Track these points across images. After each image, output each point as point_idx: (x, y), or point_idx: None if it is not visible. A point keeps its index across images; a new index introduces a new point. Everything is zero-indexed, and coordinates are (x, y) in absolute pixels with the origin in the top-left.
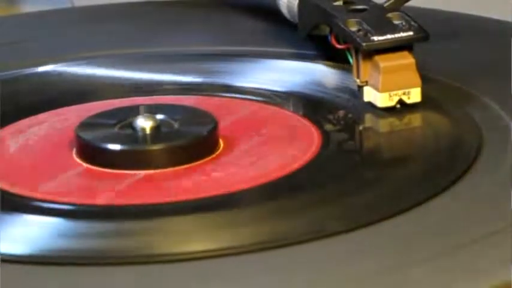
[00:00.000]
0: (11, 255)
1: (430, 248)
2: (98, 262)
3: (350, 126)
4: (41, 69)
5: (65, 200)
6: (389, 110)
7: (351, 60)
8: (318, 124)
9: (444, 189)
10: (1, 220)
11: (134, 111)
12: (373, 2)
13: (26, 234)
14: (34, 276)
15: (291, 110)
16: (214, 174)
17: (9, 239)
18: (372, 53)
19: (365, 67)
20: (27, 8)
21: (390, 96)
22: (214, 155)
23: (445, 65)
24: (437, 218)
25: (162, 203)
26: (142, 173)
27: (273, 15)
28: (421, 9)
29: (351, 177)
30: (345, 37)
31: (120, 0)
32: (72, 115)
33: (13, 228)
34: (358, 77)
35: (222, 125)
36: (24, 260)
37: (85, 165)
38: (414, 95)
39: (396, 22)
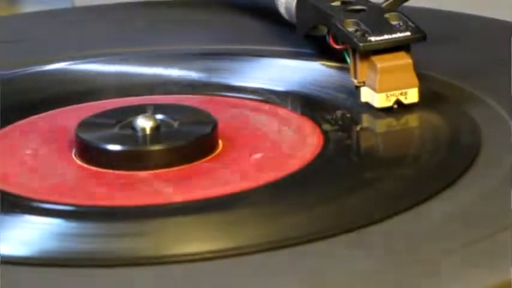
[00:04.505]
0: (10, 257)
1: (430, 248)
2: (97, 263)
3: (348, 126)
4: (41, 69)
5: (65, 200)
6: (387, 110)
7: (348, 60)
8: (317, 124)
9: (443, 189)
10: (1, 221)
11: (134, 111)
12: (371, 2)
13: (26, 235)
14: (34, 277)
15: (290, 109)
16: (214, 174)
17: (9, 240)
18: (369, 53)
19: (362, 67)
20: (27, 8)
21: (387, 96)
22: (214, 155)
23: (445, 64)
24: (437, 218)
25: (162, 204)
26: (142, 173)
27: (272, 15)
28: (421, 9)
29: (350, 177)
30: (343, 37)
31: (120, 0)
32: (72, 115)
33: (13, 230)
34: (355, 77)
35: (222, 124)
36: (24, 261)
37: (85, 165)
38: (411, 96)
39: (394, 23)
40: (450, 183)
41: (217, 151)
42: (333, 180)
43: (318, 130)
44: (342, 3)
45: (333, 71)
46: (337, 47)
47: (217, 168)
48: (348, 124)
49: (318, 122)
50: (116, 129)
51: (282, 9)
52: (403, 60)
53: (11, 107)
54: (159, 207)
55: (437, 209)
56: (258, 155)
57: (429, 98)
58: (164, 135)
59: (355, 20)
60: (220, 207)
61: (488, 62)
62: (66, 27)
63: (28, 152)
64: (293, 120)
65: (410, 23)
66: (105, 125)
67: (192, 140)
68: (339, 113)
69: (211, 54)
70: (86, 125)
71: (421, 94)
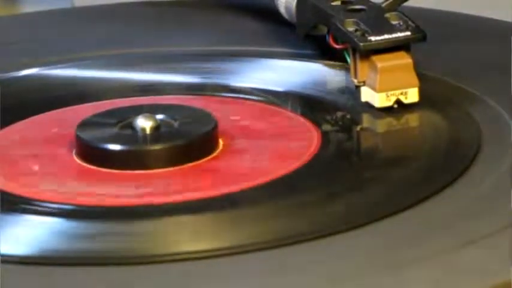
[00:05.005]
0: (11, 256)
1: (430, 248)
2: (97, 262)
3: (348, 126)
4: (40, 69)
5: (65, 200)
6: (387, 110)
7: (348, 60)
8: (317, 124)
9: (443, 188)
10: (1, 220)
11: (134, 111)
12: (371, 2)
13: (26, 234)
14: (34, 276)
15: (290, 109)
16: (214, 174)
17: (9, 240)
18: (369, 53)
19: (362, 67)
20: (27, 8)
21: (387, 96)
22: (214, 155)
23: (445, 65)
24: (436, 218)
25: (162, 203)
26: (142, 173)
27: (272, 15)
28: (421, 9)
29: (350, 177)
30: (343, 37)
31: (120, 0)
32: (72, 115)
33: (13, 229)
34: (355, 77)
35: (222, 124)
36: (24, 261)
37: (85, 165)
38: (411, 95)
39: (394, 22)
40: (450, 182)
41: (218, 151)
42: (332, 180)
43: (318, 130)
44: (342, 3)
45: (333, 71)
46: (337, 46)
47: (217, 168)
48: (348, 124)
49: (318, 122)
50: (116, 129)
51: (282, 9)
52: (403, 60)
53: (11, 107)
54: (159, 207)
55: (436, 208)
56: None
57: (429, 98)
58: (164, 135)
59: (355, 19)
60: (220, 207)
61: (488, 62)
62: (66, 28)
63: (28, 151)
64: (293, 120)
65: (410, 23)
66: (105, 125)
67: (192, 140)
68: (339, 113)
69: (211, 55)
70: (86, 124)
71: (421, 94)
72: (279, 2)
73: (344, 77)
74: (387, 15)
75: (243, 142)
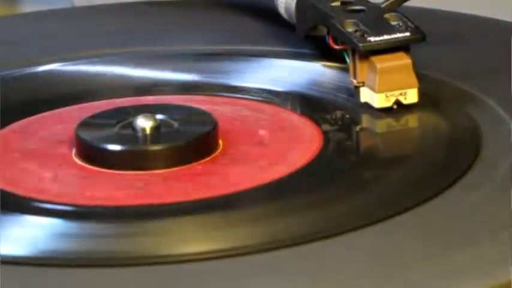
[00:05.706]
0: (10, 256)
1: (430, 248)
2: (97, 263)
3: (348, 126)
4: (41, 69)
5: (65, 200)
6: (386, 111)
7: (348, 60)
8: (317, 124)
9: (443, 189)
10: (1, 221)
11: (134, 111)
12: (370, 2)
13: (26, 235)
14: (34, 276)
15: (290, 109)
16: (214, 174)
17: (9, 240)
18: (368, 53)
19: (362, 68)
20: (27, 8)
21: (387, 96)
22: (214, 155)
23: (445, 65)
24: (436, 218)
25: (162, 204)
26: (142, 173)
27: (272, 15)
28: (421, 9)
29: (350, 177)
30: (342, 38)
31: (120, 0)
32: (72, 115)
33: (13, 229)
34: (355, 77)
35: (222, 125)
36: (24, 261)
37: (85, 165)
38: (411, 96)
39: (393, 23)
40: (450, 183)
41: (218, 151)
42: (332, 180)
43: (317, 130)
44: (342, 3)
45: (332, 72)
46: (336, 47)
47: (217, 169)
48: (348, 124)
49: (317, 122)
50: (116, 129)
51: (281, 10)
52: (402, 60)
53: (11, 107)
54: (159, 207)
55: (437, 209)
56: (263, 131)
57: (429, 98)
58: (164, 135)
59: (354, 20)
60: (220, 207)
61: (488, 62)
62: (66, 28)
63: (28, 151)
64: (293, 120)
65: (409, 24)
66: (105, 125)
67: (192, 140)
68: (338, 113)
69: (211, 54)
70: (86, 125)
71: (421, 94)
72: (278, 2)
73: (343, 78)
74: (387, 15)
75: (243, 142)
